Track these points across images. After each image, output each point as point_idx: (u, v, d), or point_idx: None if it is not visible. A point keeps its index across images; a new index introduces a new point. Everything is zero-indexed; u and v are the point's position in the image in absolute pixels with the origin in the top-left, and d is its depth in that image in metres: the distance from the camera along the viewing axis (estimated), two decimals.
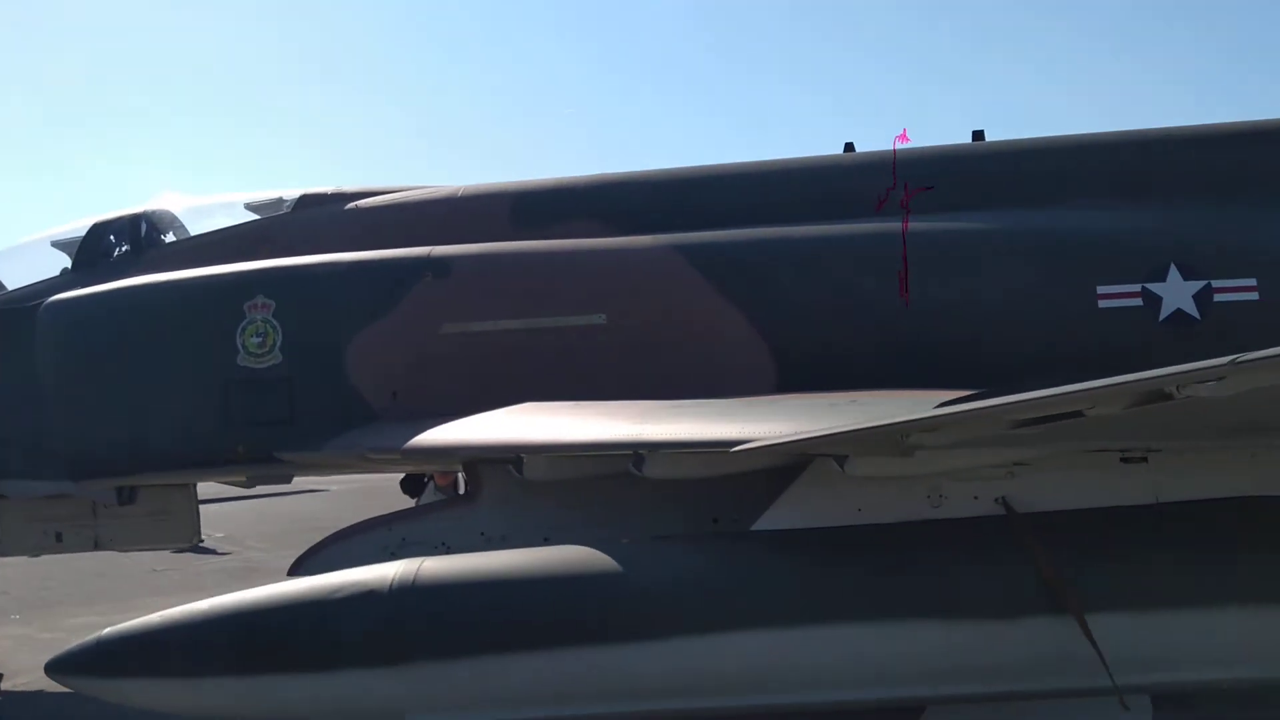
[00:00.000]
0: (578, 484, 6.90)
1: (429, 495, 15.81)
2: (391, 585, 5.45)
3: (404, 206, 9.63)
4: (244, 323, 8.54)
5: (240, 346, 8.52)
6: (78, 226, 10.57)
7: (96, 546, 10.55)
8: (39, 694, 9.71)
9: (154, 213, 10.19)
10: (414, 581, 5.45)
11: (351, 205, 9.77)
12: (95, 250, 9.99)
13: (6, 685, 9.74)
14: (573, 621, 5.28)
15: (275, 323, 8.52)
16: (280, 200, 10.19)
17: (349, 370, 8.44)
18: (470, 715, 5.32)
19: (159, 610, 5.85)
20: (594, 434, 5.95)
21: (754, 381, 7.99)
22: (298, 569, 7.47)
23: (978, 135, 9.46)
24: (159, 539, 10.51)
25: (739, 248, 8.36)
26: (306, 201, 9.94)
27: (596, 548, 5.57)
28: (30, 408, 9.10)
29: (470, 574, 5.52)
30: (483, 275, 8.54)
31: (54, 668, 5.93)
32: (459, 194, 9.69)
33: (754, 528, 5.59)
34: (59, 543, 10.45)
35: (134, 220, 10.07)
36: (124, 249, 10.02)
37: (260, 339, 8.51)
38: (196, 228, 10.25)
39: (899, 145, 8.90)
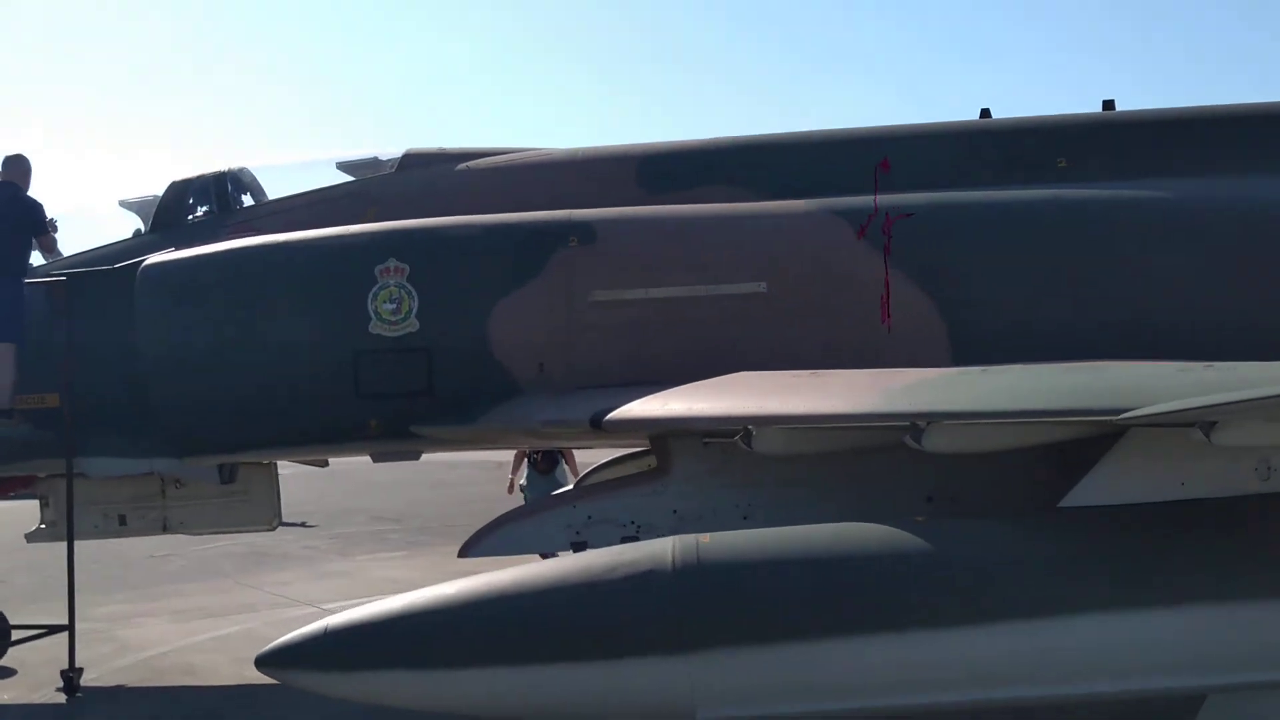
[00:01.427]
0: (781, 460, 6.50)
1: (531, 477, 15.33)
2: (674, 564, 4.96)
3: (522, 168, 9.09)
4: (376, 288, 7.94)
5: (373, 313, 7.92)
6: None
7: (164, 530, 9.88)
8: (118, 690, 9.00)
9: (235, 172, 9.49)
10: (699, 560, 4.98)
11: (463, 166, 9.19)
12: (176, 210, 9.28)
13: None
14: (884, 605, 4.85)
15: (410, 288, 7.93)
16: (377, 160, 9.58)
17: (491, 339, 7.90)
18: (767, 708, 4.88)
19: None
20: (867, 405, 5.52)
21: (925, 353, 7.64)
22: (471, 549, 6.95)
23: (1108, 105, 9.22)
24: (234, 522, 9.87)
25: (910, 213, 7.98)
26: (410, 162, 9.34)
27: (893, 525, 5.14)
28: (122, 378, 8.40)
29: (760, 552, 5.05)
30: (632, 240, 8.05)
31: (269, 661, 5.33)
32: (579, 156, 9.17)
33: (1065, 504, 5.20)
34: (122, 526, 9.75)
35: (218, 179, 9.37)
36: (208, 209, 9.31)
37: (394, 305, 7.92)
38: (275, 189, 9.60)
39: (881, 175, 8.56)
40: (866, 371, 6.58)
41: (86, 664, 9.06)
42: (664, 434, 6.82)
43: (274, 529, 10.06)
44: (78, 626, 9.11)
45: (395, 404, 7.93)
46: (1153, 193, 7.86)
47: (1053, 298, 7.69)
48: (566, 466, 15.47)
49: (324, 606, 12.15)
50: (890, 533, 5.09)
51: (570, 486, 14.62)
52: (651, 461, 11.51)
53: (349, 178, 9.47)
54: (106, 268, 8.68)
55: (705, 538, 5.16)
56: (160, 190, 9.58)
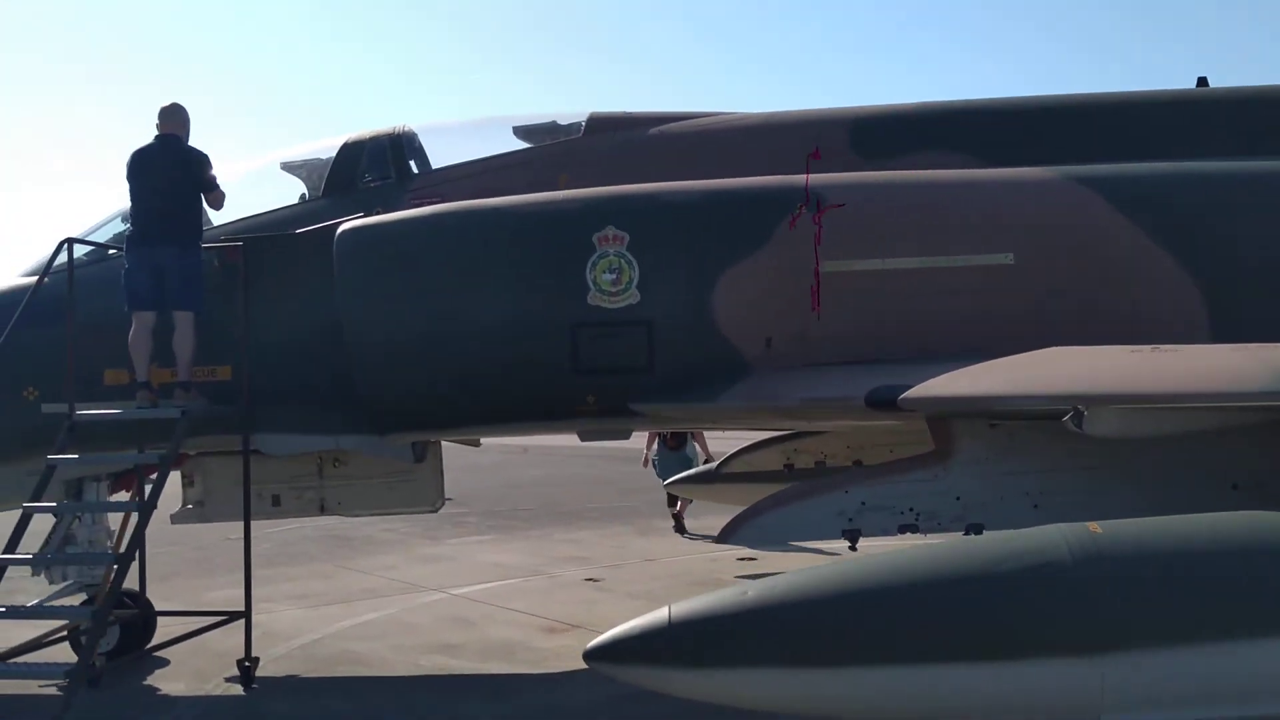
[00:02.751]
0: (1073, 446, 6.08)
1: (662, 453, 14.98)
2: (1071, 554, 4.51)
3: (725, 131, 8.61)
4: (594, 256, 7.46)
5: (591, 283, 7.44)
6: (303, 150, 9.34)
7: (321, 511, 9.41)
8: (291, 680, 8.51)
9: (406, 135, 8.96)
10: (1098, 550, 4.52)
11: (657, 130, 8.69)
12: (350, 174, 8.75)
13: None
14: None
15: (630, 257, 7.45)
16: (555, 124, 9.08)
17: (717, 313, 7.43)
18: (1179, 713, 4.44)
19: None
20: (1260, 383, 5.08)
21: (1182, 329, 7.23)
22: (730, 535, 6.48)
23: (1202, 81, 8.91)
24: (397, 503, 9.40)
25: (1165, 182, 7.54)
26: (596, 126, 8.84)
27: None
28: (307, 349, 7.91)
29: (1164, 543, 4.60)
30: (864, 208, 7.57)
31: (601, 655, 4.82)
32: (783, 119, 8.70)
33: None
34: (275, 507, 9.27)
35: (393, 143, 8.85)
36: (382, 173, 8.79)
37: (614, 275, 7.44)
38: (441, 155, 9.08)
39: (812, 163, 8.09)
40: (1225, 346, 6.14)
41: (234, 653, 8.59)
42: (949, 414, 6.35)
43: (437, 510, 9.56)
44: (214, 612, 8.66)
45: (615, 379, 7.47)
46: None
47: None
48: (696, 444, 15.24)
49: (454, 591, 11.72)
50: None
51: (704, 465, 14.40)
52: (791, 448, 11.25)
53: (525, 144, 8.99)
54: (286, 232, 8.18)
55: (1094, 526, 4.70)
56: (321, 152, 9.10)
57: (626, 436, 8.39)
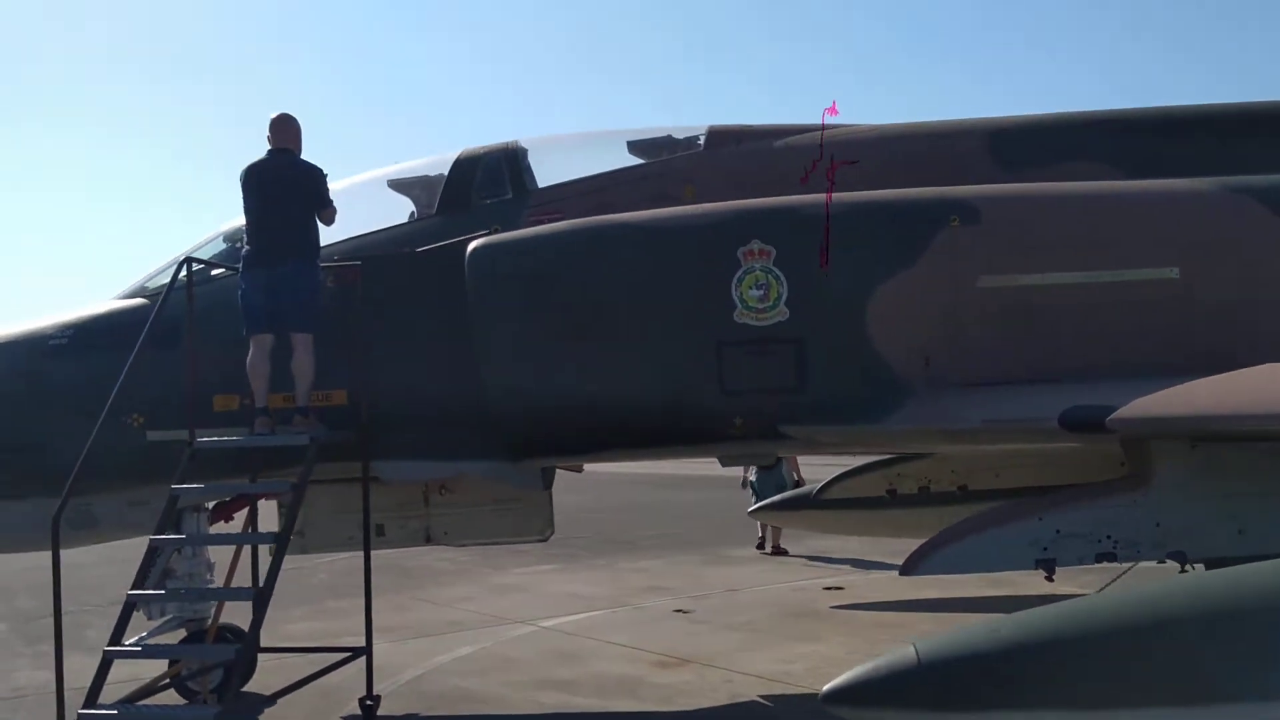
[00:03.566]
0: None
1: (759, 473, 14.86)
2: None
3: (858, 144, 8.27)
4: (740, 272, 7.12)
5: (737, 300, 7.09)
6: (410, 167, 9.02)
7: (427, 540, 9.01)
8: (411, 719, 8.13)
9: (519, 150, 8.65)
10: None
11: (783, 143, 8.37)
12: (465, 191, 8.43)
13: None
14: None
15: (777, 272, 7.12)
16: (671, 138, 8.77)
17: (871, 330, 7.08)
18: None
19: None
20: None
21: None
22: (917, 566, 6.12)
23: None
24: (506, 532, 9.00)
25: None
26: (717, 139, 8.52)
27: None
28: (436, 373, 7.57)
29: None
30: (1021, 221, 7.25)
31: (844, 698, 4.45)
32: (918, 130, 8.40)
33: None
34: (380, 536, 8.85)
35: (509, 157, 8.53)
36: (499, 190, 8.47)
37: (761, 291, 7.10)
38: (550, 171, 8.76)
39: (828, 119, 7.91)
40: None
41: (342, 689, 8.20)
42: (1152, 436, 6.00)
43: (545, 539, 9.17)
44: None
45: (764, 401, 7.11)
46: None
47: None
48: (787, 464, 15.11)
49: (542, 624, 11.33)
50: None
51: (797, 482, 14.05)
52: (894, 473, 10.89)
53: (639, 159, 8.68)
54: (406, 251, 7.86)
55: None
56: (430, 169, 8.79)
57: (772, 460, 8.04)
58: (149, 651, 6.98)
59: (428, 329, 7.62)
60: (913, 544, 6.33)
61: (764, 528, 15.80)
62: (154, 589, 8.72)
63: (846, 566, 14.39)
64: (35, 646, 11.05)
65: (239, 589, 7.31)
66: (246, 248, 7.68)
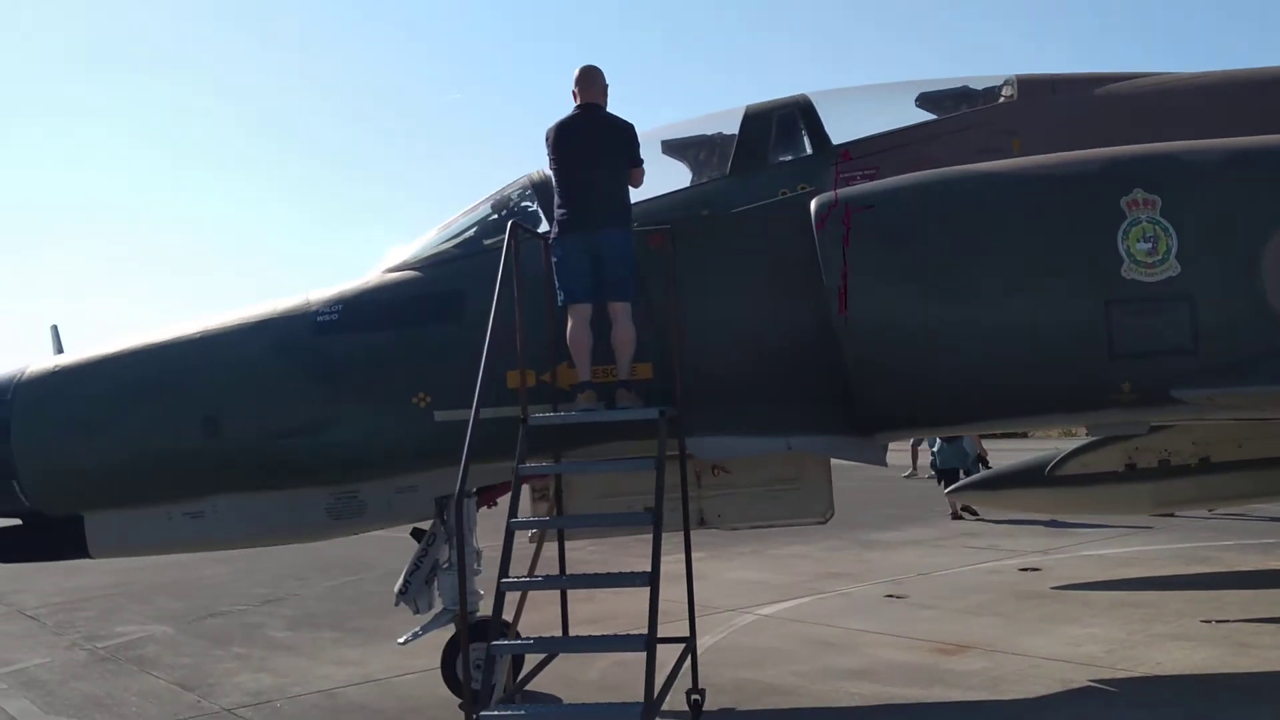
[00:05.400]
0: None
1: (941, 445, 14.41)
2: None
3: (1181, 92, 7.77)
4: (1125, 224, 6.60)
5: (1124, 254, 6.57)
6: (684, 128, 8.43)
7: (701, 524, 8.45)
8: (729, 713, 7.56)
9: (807, 103, 8.07)
10: None
11: (1103, 90, 7.86)
12: (760, 148, 7.87)
13: None
14: None
15: (1165, 224, 6.60)
16: (967, 89, 8.24)
17: (1267, 285, 6.58)
18: None
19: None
20: None
21: None
22: None
23: None
24: (783, 514, 8.43)
25: None
26: (1029, 89, 7.99)
27: None
28: (763, 341, 7.05)
29: None
30: None
31: None
32: (1239, 77, 7.92)
33: None
34: None
35: (805, 111, 7.96)
36: (797, 146, 7.91)
37: (1149, 244, 6.59)
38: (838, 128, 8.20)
39: None
40: None
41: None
42: None
43: (826, 521, 8.61)
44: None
45: (1155, 363, 6.60)
46: None
47: None
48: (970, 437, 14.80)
49: (760, 612, 10.80)
50: None
51: (979, 455, 13.56)
52: (1133, 446, 10.39)
53: (929, 114, 8.16)
54: (720, 214, 7.30)
55: None
56: (708, 127, 8.22)
57: (1143, 430, 7.52)
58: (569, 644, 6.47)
59: (748, 295, 7.07)
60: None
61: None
62: (424, 581, 8.22)
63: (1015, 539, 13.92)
64: (227, 648, 10.39)
65: (632, 574, 6.70)
66: (560, 211, 7.09)
